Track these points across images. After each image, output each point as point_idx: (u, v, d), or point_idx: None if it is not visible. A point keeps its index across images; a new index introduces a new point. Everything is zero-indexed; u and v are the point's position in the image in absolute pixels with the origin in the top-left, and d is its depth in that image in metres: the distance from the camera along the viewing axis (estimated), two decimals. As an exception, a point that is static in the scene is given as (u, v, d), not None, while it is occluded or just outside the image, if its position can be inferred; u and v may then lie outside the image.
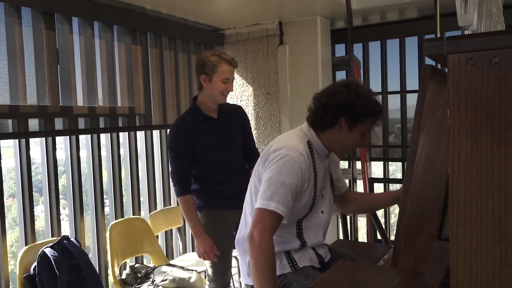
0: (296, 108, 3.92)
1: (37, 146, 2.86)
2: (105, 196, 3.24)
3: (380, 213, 4.27)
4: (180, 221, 3.62)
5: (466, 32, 1.04)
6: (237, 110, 2.56)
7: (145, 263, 3.32)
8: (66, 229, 3.00)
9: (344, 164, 4.09)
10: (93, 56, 3.08)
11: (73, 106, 2.92)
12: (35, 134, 2.72)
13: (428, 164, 1.23)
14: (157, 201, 3.66)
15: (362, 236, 4.45)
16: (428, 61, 3.15)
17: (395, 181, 4.19)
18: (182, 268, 2.98)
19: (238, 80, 4.18)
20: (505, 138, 0.77)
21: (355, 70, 3.89)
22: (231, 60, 2.35)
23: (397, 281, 1.05)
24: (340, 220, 3.33)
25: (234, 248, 1.97)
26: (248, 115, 2.65)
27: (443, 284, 1.18)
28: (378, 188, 4.28)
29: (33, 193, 2.74)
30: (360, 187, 3.92)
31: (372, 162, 4.28)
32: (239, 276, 3.25)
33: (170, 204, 3.78)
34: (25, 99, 2.66)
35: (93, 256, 3.12)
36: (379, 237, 3.76)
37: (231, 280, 2.58)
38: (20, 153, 2.69)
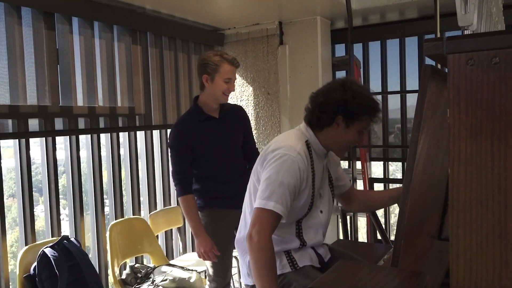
0: (296, 108, 3.92)
1: (37, 146, 2.86)
2: (105, 196, 3.24)
3: (380, 213, 4.27)
4: (180, 221, 3.62)
5: (466, 32, 1.04)
6: (238, 110, 2.56)
7: (145, 263, 3.32)
8: (66, 229, 3.00)
9: (344, 164, 4.09)
10: (93, 56, 3.08)
11: (73, 106, 2.92)
12: (35, 134, 2.72)
13: (428, 164, 1.23)
14: (157, 201, 3.66)
15: (362, 236, 4.45)
16: (428, 61, 3.15)
17: (395, 181, 4.19)
18: (182, 268, 2.98)
19: (238, 80, 4.18)
20: (505, 138, 0.77)
21: (355, 70, 3.89)
22: (233, 60, 2.36)
23: (397, 281, 1.05)
24: (340, 220, 3.33)
25: (235, 248, 1.97)
26: (248, 115, 2.65)
27: (443, 284, 1.18)
28: (378, 188, 4.28)
29: (33, 193, 2.74)
30: (360, 187, 3.92)
31: (372, 162, 4.28)
32: (239, 276, 3.25)
33: (170, 204, 3.78)
34: (25, 99, 2.66)
35: (93, 256, 3.12)
36: (379, 237, 3.76)
37: (231, 280, 2.58)
38: (20, 153, 2.69)
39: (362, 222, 4.29)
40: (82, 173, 3.05)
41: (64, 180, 3.21)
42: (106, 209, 3.27)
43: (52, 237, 2.81)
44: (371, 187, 4.05)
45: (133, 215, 3.42)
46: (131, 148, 3.46)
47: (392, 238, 3.31)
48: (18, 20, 2.62)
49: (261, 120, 4.13)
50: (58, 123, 2.84)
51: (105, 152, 3.29)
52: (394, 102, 4.07)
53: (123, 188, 3.40)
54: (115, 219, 3.20)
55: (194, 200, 2.39)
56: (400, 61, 3.98)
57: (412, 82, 3.97)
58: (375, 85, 4.11)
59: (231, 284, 2.64)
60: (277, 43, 4.00)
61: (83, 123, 2.99)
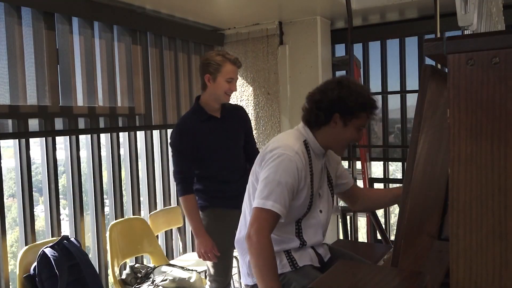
0: (296, 108, 3.91)
1: (37, 146, 2.86)
2: (105, 196, 3.24)
3: (380, 213, 4.27)
4: (180, 221, 3.62)
5: (466, 32, 1.04)
6: (239, 110, 2.57)
7: (145, 263, 3.32)
8: (66, 229, 3.00)
9: (344, 164, 4.09)
10: (93, 56, 3.08)
11: (73, 106, 2.92)
12: (35, 134, 2.72)
13: (428, 164, 1.23)
14: (157, 201, 3.66)
15: (362, 236, 4.44)
16: (428, 61, 3.15)
17: (395, 181, 4.19)
18: (182, 268, 2.98)
19: (238, 80, 4.16)
20: (505, 138, 0.77)
21: (355, 70, 3.90)
22: (236, 60, 2.37)
23: (397, 281, 1.05)
24: (340, 220, 3.32)
25: (235, 248, 1.97)
26: (248, 115, 2.66)
27: (443, 284, 1.18)
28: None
29: (33, 193, 2.74)
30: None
31: (372, 162, 4.28)
32: (239, 277, 3.25)
33: (170, 204, 3.78)
34: (25, 99, 2.66)
35: (93, 256, 3.12)
36: (379, 237, 3.76)
37: (231, 280, 2.58)
38: (20, 153, 2.69)
39: (362, 222, 4.29)
40: (82, 173, 3.05)
41: (64, 180, 3.21)
42: (106, 209, 3.27)
43: (52, 237, 2.81)
44: (371, 187, 4.05)
45: (133, 215, 3.42)
46: (131, 148, 3.46)
47: (392, 238, 3.31)
48: (18, 20, 2.62)
49: (261, 120, 4.13)
50: (58, 123, 2.84)
51: (105, 152, 3.29)
52: (394, 102, 4.07)
53: (123, 188, 3.40)
54: (115, 219, 3.20)
55: (195, 200, 2.39)
56: (400, 61, 3.98)
57: (412, 82, 3.97)
58: (375, 85, 4.11)
59: (231, 284, 2.65)
60: (277, 43, 4.00)
61: (83, 123, 2.99)
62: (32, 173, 2.74)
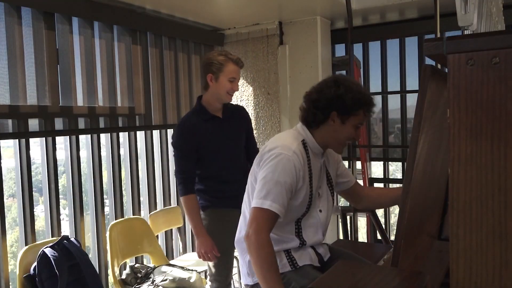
0: (296, 108, 3.87)
1: (37, 146, 2.86)
2: (105, 196, 3.24)
3: (380, 213, 4.27)
4: (180, 221, 3.62)
5: (466, 32, 1.04)
6: (241, 111, 2.59)
7: (145, 263, 3.32)
8: (66, 229, 3.00)
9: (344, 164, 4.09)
10: (93, 56, 3.08)
11: (73, 106, 2.92)
12: (35, 134, 2.72)
13: (428, 164, 1.23)
14: (157, 201, 3.66)
15: (362, 236, 4.44)
16: (428, 61, 3.15)
17: (395, 181, 4.19)
18: (182, 268, 2.98)
19: (238, 80, 4.18)
20: (505, 138, 0.77)
21: (355, 70, 3.90)
22: (238, 60, 2.39)
23: (397, 281, 1.05)
24: (340, 220, 3.32)
25: (236, 248, 1.97)
26: (249, 115, 2.67)
27: (443, 284, 1.18)
28: (378, 188, 4.29)
29: (33, 193, 2.74)
30: (360, 187, 3.91)
31: (372, 162, 4.28)
32: (239, 277, 3.25)
33: (170, 204, 3.78)
34: (25, 99, 2.66)
35: (93, 256, 3.12)
36: (379, 237, 3.76)
37: (231, 280, 2.58)
38: (20, 153, 2.69)
39: (362, 222, 4.29)
40: (82, 173, 3.05)
41: (64, 180, 3.21)
42: (106, 209, 3.27)
43: (52, 237, 2.81)
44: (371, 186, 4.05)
45: (133, 215, 3.42)
46: (131, 148, 3.46)
47: (392, 238, 3.31)
48: (18, 20, 2.62)
49: (261, 120, 4.13)
50: (58, 123, 2.84)
51: (105, 152, 3.29)
52: (394, 102, 4.07)
53: (123, 188, 3.40)
54: (115, 219, 3.20)
55: (196, 200, 2.40)
56: (400, 61, 3.98)
57: (412, 82, 3.97)
58: (375, 85, 4.11)
59: (232, 284, 2.65)
60: (277, 43, 4.00)
61: (83, 123, 2.99)
62: (32, 173, 2.74)
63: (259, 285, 1.68)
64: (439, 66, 1.90)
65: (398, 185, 4.11)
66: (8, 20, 2.57)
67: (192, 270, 2.97)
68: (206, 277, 3.01)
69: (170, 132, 3.82)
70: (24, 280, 2.44)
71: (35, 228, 2.74)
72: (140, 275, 2.92)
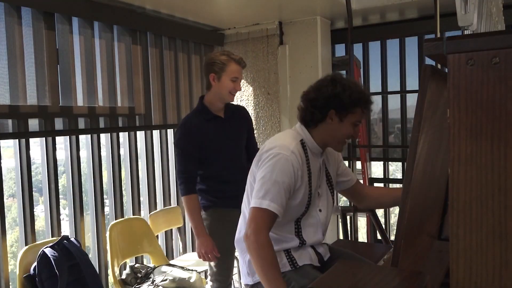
0: (296, 108, 3.91)
1: (37, 146, 2.86)
2: (105, 196, 3.24)
3: (380, 213, 4.27)
4: (180, 221, 3.62)
5: (466, 32, 1.04)
6: (242, 110, 2.60)
7: (145, 263, 3.32)
8: (66, 229, 3.00)
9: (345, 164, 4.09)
10: (93, 56, 3.08)
11: (73, 106, 2.92)
12: (35, 134, 2.72)
13: (428, 164, 1.23)
14: (157, 201, 3.66)
15: (362, 236, 4.44)
16: (428, 61, 3.15)
17: (395, 181, 4.19)
18: (182, 268, 2.98)
19: (238, 80, 4.18)
20: (505, 138, 0.77)
21: (355, 70, 3.89)
22: (240, 60, 2.40)
23: (397, 281, 1.05)
24: (340, 220, 3.32)
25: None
26: (250, 115, 2.68)
27: (443, 284, 1.18)
28: (378, 188, 4.28)
29: (33, 193, 2.74)
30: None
31: (372, 162, 4.28)
32: (239, 277, 3.25)
33: (170, 204, 3.78)
34: (25, 99, 2.66)
35: (93, 256, 3.12)
36: (379, 237, 3.76)
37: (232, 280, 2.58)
38: (20, 153, 2.68)
39: (362, 222, 4.29)
40: (82, 173, 3.05)
41: (64, 180, 3.21)
42: (106, 209, 3.27)
43: (52, 237, 2.81)
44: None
45: (133, 215, 3.42)
46: (131, 148, 3.46)
47: (392, 238, 3.31)
48: (18, 20, 2.62)
49: (261, 120, 4.13)
50: (58, 123, 2.84)
51: (105, 152, 3.29)
52: (394, 102, 4.07)
53: (123, 188, 3.39)
54: (115, 219, 3.20)
55: (198, 200, 2.40)
56: (400, 61, 3.98)
57: (412, 82, 3.97)
58: (375, 85, 4.11)
59: (232, 284, 2.65)
60: (277, 43, 4.00)
61: (83, 123, 2.99)
62: (32, 173, 2.74)
63: (259, 285, 1.69)
64: (439, 66, 1.90)
65: (399, 185, 4.11)
66: (8, 20, 2.57)
67: (192, 270, 2.97)
68: (206, 277, 3.01)
69: (170, 132, 3.83)
70: (24, 280, 2.44)
71: (35, 228, 2.74)
72: (140, 275, 2.92)
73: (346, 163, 3.93)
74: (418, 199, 1.19)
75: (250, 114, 2.71)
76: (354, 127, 1.68)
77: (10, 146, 2.83)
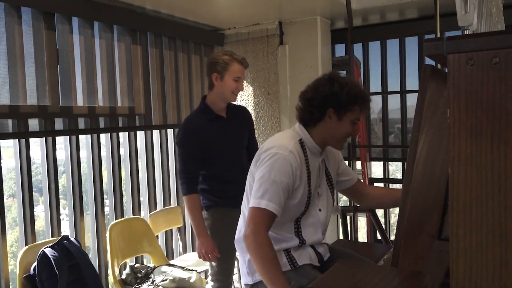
0: (295, 108, 3.91)
1: (37, 146, 2.86)
2: (105, 196, 3.24)
3: (380, 213, 4.27)
4: (180, 221, 3.62)
5: (466, 32, 1.04)
6: (244, 111, 2.61)
7: (145, 263, 3.32)
8: (66, 229, 3.00)
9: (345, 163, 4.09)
10: (93, 56, 3.08)
11: (73, 106, 2.92)
12: (35, 134, 2.72)
13: (428, 164, 1.23)
14: (157, 201, 3.66)
15: (362, 236, 4.44)
16: (428, 61, 3.15)
17: (395, 181, 4.19)
18: (182, 268, 2.98)
19: (238, 80, 4.18)
20: (505, 138, 0.77)
21: (355, 70, 3.89)
22: (243, 60, 2.41)
23: (397, 281, 1.05)
24: (340, 220, 3.32)
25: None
26: (251, 115, 2.68)
27: (443, 284, 1.18)
28: (378, 188, 4.28)
29: (33, 193, 2.74)
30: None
31: (372, 162, 4.28)
32: (239, 277, 3.25)
33: (170, 204, 3.78)
34: (25, 99, 2.66)
35: (93, 256, 3.12)
36: (379, 237, 3.76)
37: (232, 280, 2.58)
38: (20, 153, 2.68)
39: (362, 222, 4.29)
40: (82, 173, 3.05)
41: (64, 180, 3.21)
42: (106, 209, 3.27)
43: (52, 237, 2.81)
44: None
45: (133, 215, 3.42)
46: (131, 148, 3.46)
47: (392, 238, 3.31)
48: (18, 20, 2.62)
49: (261, 120, 4.13)
50: (58, 123, 2.84)
51: (105, 152, 3.29)
52: (394, 102, 4.07)
53: (123, 188, 3.40)
54: (115, 219, 3.20)
55: (199, 200, 2.40)
56: (400, 61, 3.98)
57: (412, 82, 3.97)
58: (375, 85, 4.11)
59: (232, 284, 2.65)
60: (277, 43, 4.00)
61: (83, 123, 2.99)
62: (32, 173, 2.74)
63: (259, 285, 1.69)
64: (439, 66, 1.90)
65: (399, 185, 4.11)
66: (8, 20, 2.57)
67: (192, 270, 2.97)
68: (206, 277, 3.01)
69: (170, 132, 3.83)
70: (24, 280, 2.44)
71: (35, 228, 2.74)
72: (140, 275, 2.92)
73: (346, 163, 3.95)
74: (418, 199, 1.19)
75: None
76: (353, 125, 1.68)
77: (10, 146, 2.83)
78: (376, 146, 4.20)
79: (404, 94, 3.99)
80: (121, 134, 3.38)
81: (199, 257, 2.39)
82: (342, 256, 1.82)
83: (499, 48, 0.77)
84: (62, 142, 2.97)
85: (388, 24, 3.97)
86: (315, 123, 1.69)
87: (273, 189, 1.57)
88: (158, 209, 3.58)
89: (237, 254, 2.44)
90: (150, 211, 3.50)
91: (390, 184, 4.14)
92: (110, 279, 3.04)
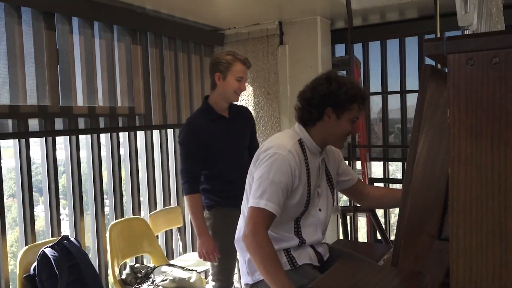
0: (293, 108, 3.91)
1: (37, 146, 2.86)
2: (105, 196, 3.24)
3: (380, 213, 4.27)
4: (180, 221, 3.62)
5: (466, 32, 1.04)
6: (245, 111, 2.62)
7: (145, 263, 3.32)
8: (66, 229, 3.00)
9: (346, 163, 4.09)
10: (93, 56, 3.08)
11: (73, 106, 2.92)
12: (35, 134, 2.72)
13: (428, 164, 1.23)
14: (157, 201, 3.66)
15: (362, 236, 4.45)
16: (428, 61, 3.15)
17: (395, 181, 4.19)
18: (182, 268, 2.98)
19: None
20: (505, 138, 0.77)
21: (355, 70, 3.89)
22: (245, 60, 2.41)
23: (397, 281, 1.05)
24: (340, 220, 3.33)
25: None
26: (253, 116, 2.69)
27: (443, 284, 1.17)
28: (378, 188, 4.28)
29: (33, 193, 2.74)
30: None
31: (372, 162, 4.28)
32: (239, 277, 3.25)
33: (170, 204, 3.78)
34: (25, 99, 2.66)
35: (93, 256, 3.12)
36: (379, 237, 3.76)
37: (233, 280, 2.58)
38: (20, 153, 2.68)
39: (362, 222, 4.29)
40: (82, 173, 3.05)
41: (64, 180, 3.21)
42: (106, 209, 3.27)
43: (52, 237, 2.81)
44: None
45: (133, 215, 3.42)
46: (131, 148, 3.46)
47: (392, 238, 3.31)
48: (18, 20, 2.62)
49: (261, 120, 4.13)
50: (58, 123, 2.84)
51: (105, 152, 3.29)
52: (394, 102, 4.07)
53: (123, 188, 3.39)
54: (115, 219, 3.20)
55: (201, 200, 2.40)
56: (400, 61, 3.98)
57: (412, 82, 3.97)
58: (375, 85, 4.11)
59: (233, 284, 2.65)
60: (277, 43, 4.00)
61: (83, 123, 2.99)
62: (32, 173, 2.74)
63: (259, 284, 1.69)
64: (439, 66, 1.90)
65: (399, 185, 4.11)
66: (8, 20, 2.57)
67: (192, 270, 2.97)
68: (206, 277, 3.01)
69: (170, 132, 3.83)
70: (24, 280, 2.44)
71: (35, 228, 2.74)
72: (140, 275, 2.92)
73: (346, 163, 3.95)
74: (418, 199, 1.19)
75: (250, 114, 2.72)
76: (352, 124, 1.69)
77: (10, 146, 2.83)
78: (376, 146, 4.21)
79: (404, 94, 3.99)
80: (121, 134, 3.38)
81: (200, 257, 2.39)
82: (342, 256, 1.82)
83: (499, 48, 0.77)
84: (62, 142, 2.97)
85: (388, 24, 3.97)
86: (314, 123, 1.69)
87: (272, 189, 1.57)
88: (158, 209, 3.58)
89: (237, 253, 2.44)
90: (150, 211, 3.50)
91: (390, 184, 4.14)
92: (110, 279, 3.04)
